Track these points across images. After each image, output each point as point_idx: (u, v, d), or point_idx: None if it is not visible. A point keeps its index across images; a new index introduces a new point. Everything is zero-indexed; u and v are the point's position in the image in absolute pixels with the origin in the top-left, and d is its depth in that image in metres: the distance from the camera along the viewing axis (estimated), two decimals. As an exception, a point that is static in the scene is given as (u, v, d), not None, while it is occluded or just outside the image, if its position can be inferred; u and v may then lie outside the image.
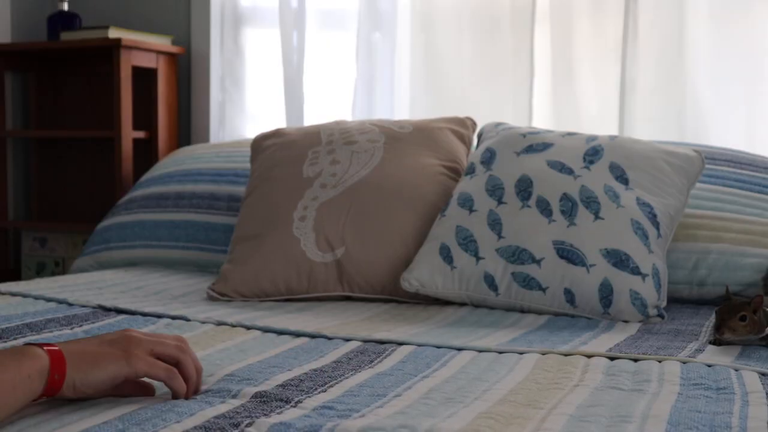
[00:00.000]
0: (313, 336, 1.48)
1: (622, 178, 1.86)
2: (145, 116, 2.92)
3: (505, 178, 1.89)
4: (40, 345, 1.00)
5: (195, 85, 3.01)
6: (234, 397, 1.08)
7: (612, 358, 1.34)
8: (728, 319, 1.43)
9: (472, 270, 1.81)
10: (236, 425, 0.95)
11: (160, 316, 1.62)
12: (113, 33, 2.81)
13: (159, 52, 2.89)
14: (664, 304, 1.76)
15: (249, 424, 0.96)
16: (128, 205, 2.48)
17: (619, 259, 1.75)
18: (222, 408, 1.03)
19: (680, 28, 2.49)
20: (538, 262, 1.77)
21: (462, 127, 2.21)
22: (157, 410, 1.00)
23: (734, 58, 2.46)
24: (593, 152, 1.90)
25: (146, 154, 2.93)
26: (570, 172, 1.87)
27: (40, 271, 3.05)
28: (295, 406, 1.05)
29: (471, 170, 1.98)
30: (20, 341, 1.37)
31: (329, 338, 1.47)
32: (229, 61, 2.99)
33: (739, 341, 1.43)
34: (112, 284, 1.99)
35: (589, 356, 1.35)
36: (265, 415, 1.00)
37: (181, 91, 3.03)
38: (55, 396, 1.00)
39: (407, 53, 2.78)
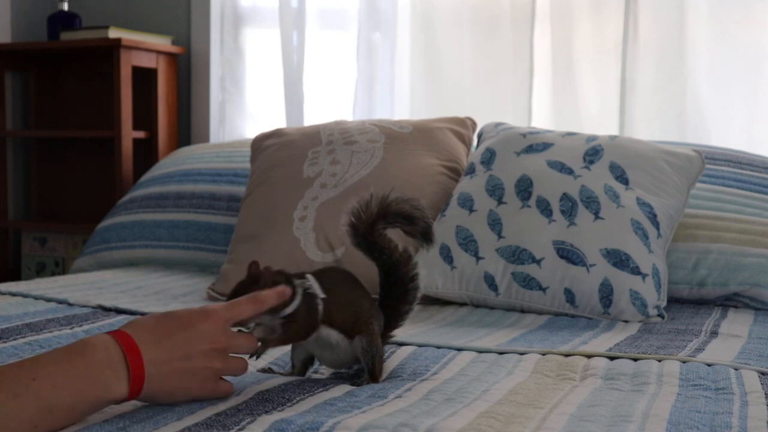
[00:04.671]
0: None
1: (622, 178, 1.86)
2: (145, 116, 2.92)
3: (505, 178, 1.89)
4: (129, 364, 0.94)
5: (195, 85, 3.01)
6: (235, 395, 1.08)
7: (612, 358, 1.34)
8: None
9: (472, 270, 1.81)
10: (238, 422, 0.95)
11: (160, 316, 1.62)
12: (113, 33, 2.81)
13: (159, 52, 2.89)
14: (664, 304, 1.76)
15: (251, 422, 0.96)
16: (128, 205, 2.48)
17: (619, 259, 1.75)
18: (222, 406, 1.03)
19: (680, 28, 2.49)
20: (538, 262, 1.77)
21: (462, 127, 2.21)
22: (158, 408, 1.00)
23: (734, 58, 2.46)
24: (593, 152, 1.90)
25: (146, 154, 2.93)
26: (570, 172, 1.87)
27: (40, 271, 3.05)
28: (296, 404, 1.05)
29: (471, 170, 1.98)
30: (20, 341, 1.36)
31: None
32: (229, 61, 2.99)
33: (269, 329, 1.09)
34: (112, 284, 1.99)
35: (589, 356, 1.35)
36: (266, 412, 1.00)
37: (181, 91, 3.03)
38: (140, 391, 0.95)
39: (407, 53, 2.78)
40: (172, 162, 2.61)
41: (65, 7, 3.03)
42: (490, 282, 1.79)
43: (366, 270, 1.90)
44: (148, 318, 1.01)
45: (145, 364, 0.95)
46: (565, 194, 1.83)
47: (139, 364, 0.95)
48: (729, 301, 1.90)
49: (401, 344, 1.42)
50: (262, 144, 2.23)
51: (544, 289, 1.76)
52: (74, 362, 0.92)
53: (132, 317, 1.62)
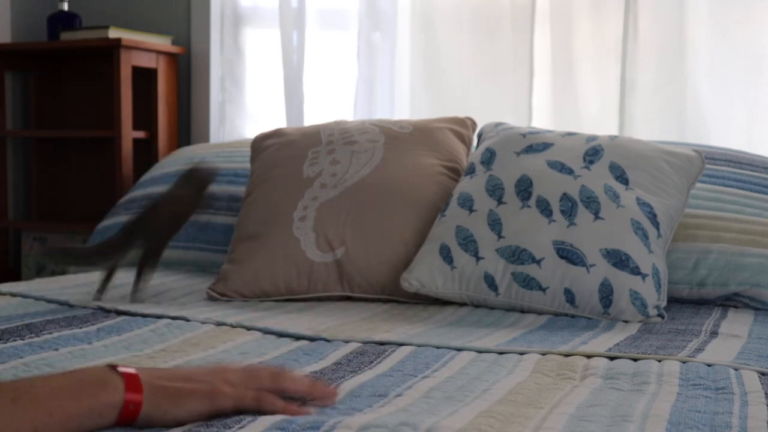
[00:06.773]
0: (312, 339, 1.48)
1: (622, 178, 1.86)
2: (145, 116, 2.92)
3: (505, 178, 1.89)
4: (122, 372, 0.94)
5: (195, 85, 3.01)
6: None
7: (612, 358, 1.34)
8: None
9: (472, 270, 1.81)
10: (239, 421, 0.95)
11: (160, 317, 1.62)
12: (113, 33, 2.81)
13: (159, 52, 2.89)
14: (664, 304, 1.76)
15: (251, 420, 0.96)
16: (128, 205, 2.48)
17: (619, 259, 1.75)
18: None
19: (680, 28, 2.49)
20: (538, 262, 1.77)
21: (462, 127, 2.22)
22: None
23: (734, 58, 2.46)
24: (593, 152, 1.90)
25: (146, 154, 2.93)
26: (570, 172, 1.87)
27: (40, 271, 3.05)
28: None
29: (471, 170, 1.98)
30: (20, 342, 1.37)
31: (329, 340, 1.46)
32: (229, 61, 2.99)
33: None
34: (112, 285, 1.98)
35: (589, 356, 1.35)
36: (266, 412, 1.00)
37: (181, 91, 3.03)
38: (140, 388, 0.95)
39: (407, 53, 2.78)
40: (172, 162, 2.61)
41: (65, 7, 3.02)
42: (490, 282, 1.79)
43: (368, 269, 1.90)
44: None
45: (137, 371, 0.96)
46: (565, 194, 1.83)
47: (129, 372, 0.95)
48: (729, 301, 1.91)
49: (401, 344, 1.42)
50: (262, 144, 2.23)
51: (544, 289, 1.76)
52: (68, 374, 0.94)
53: (132, 318, 1.62)
